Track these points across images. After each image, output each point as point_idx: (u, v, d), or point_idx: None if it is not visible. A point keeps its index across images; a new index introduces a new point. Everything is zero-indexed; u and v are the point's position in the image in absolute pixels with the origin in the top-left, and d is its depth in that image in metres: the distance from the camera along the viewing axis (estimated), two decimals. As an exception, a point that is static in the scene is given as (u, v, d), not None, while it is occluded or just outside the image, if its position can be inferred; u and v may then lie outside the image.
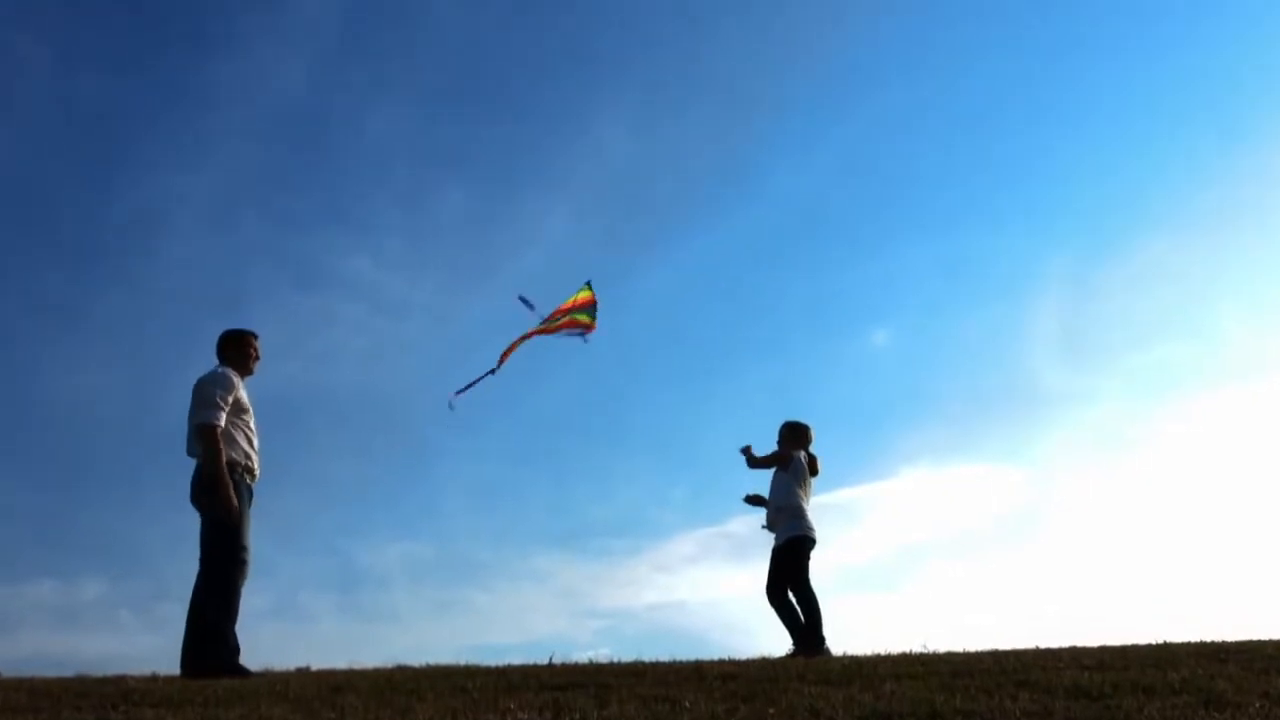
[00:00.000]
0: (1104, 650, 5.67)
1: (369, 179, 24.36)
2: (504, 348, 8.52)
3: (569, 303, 8.94)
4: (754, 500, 8.54)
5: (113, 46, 23.11)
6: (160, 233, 23.08)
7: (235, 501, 6.01)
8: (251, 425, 6.33)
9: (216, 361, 6.42)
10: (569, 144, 25.42)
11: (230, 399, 6.18)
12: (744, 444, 8.50)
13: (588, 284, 9.03)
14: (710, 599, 18.45)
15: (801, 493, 8.26)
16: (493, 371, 8.34)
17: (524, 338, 8.65)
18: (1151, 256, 23.64)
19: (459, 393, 8.17)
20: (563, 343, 8.89)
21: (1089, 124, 25.75)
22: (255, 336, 6.58)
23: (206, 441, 6.04)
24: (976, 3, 25.78)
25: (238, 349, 6.46)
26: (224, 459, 6.03)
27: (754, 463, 8.45)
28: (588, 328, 8.80)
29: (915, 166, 25.84)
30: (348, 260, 23.60)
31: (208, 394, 6.14)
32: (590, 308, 8.92)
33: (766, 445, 8.56)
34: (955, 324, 24.41)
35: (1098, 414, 22.69)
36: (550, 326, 8.77)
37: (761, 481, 8.54)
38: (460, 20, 24.65)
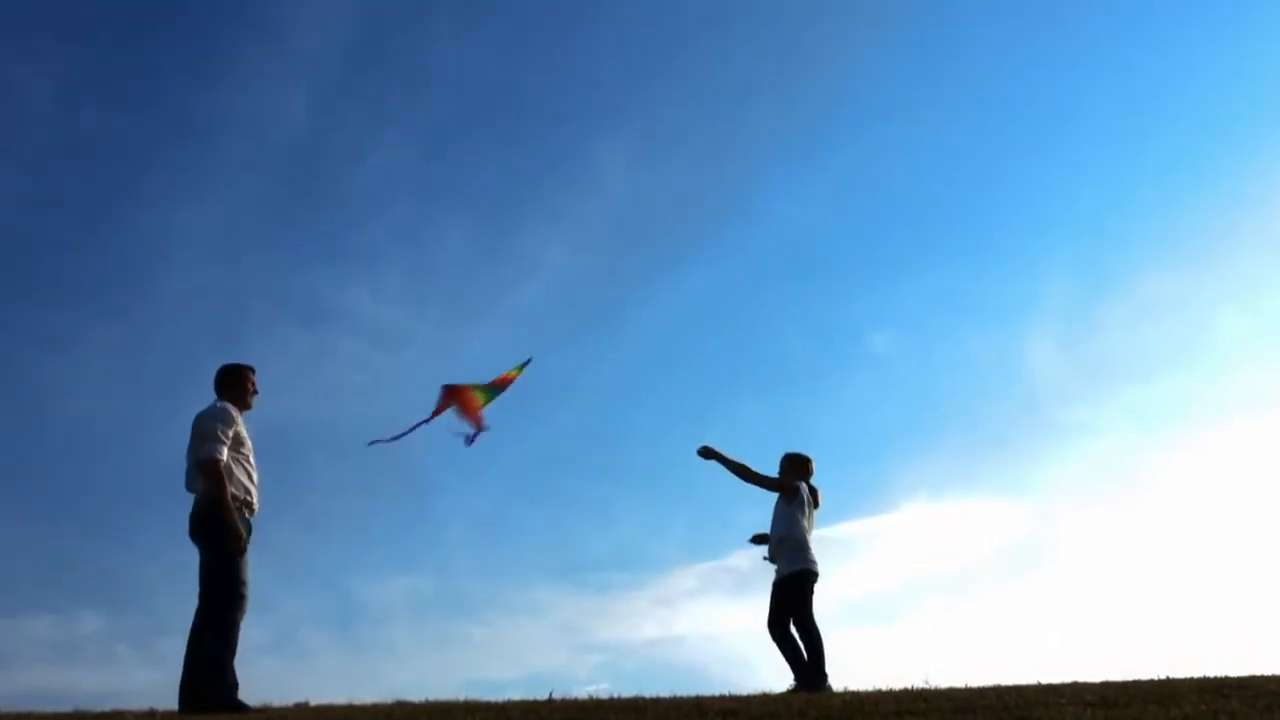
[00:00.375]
0: (1106, 686, 5.64)
1: (369, 213, 24.50)
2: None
3: (501, 379, 8.51)
4: (760, 540, 8.50)
5: (114, 80, 23.34)
6: (160, 266, 23.19)
7: (242, 534, 6.05)
8: (251, 460, 6.34)
9: (215, 396, 6.45)
10: (569, 177, 25.62)
11: (230, 433, 6.20)
12: (706, 447, 8.31)
13: (526, 363, 8.65)
14: (710, 633, 18.35)
15: (805, 525, 8.23)
16: (426, 421, 7.95)
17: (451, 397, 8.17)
18: (1153, 288, 23.71)
19: (389, 440, 7.71)
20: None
21: (1089, 156, 25.92)
22: (253, 371, 6.61)
23: (208, 476, 6.05)
24: (975, 38, 25.99)
25: (236, 383, 6.49)
26: (228, 493, 6.05)
27: (749, 476, 8.31)
28: (476, 421, 8.23)
29: (915, 198, 25.98)
30: (347, 294, 23.69)
31: (208, 429, 6.17)
32: (499, 389, 8.44)
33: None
34: (956, 357, 24.44)
35: (1100, 446, 22.66)
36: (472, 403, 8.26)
37: (763, 518, 8.50)
38: (461, 55, 24.90)
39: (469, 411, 7.95)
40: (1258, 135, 24.18)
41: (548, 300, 22.48)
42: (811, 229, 25.61)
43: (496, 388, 8.30)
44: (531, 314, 22.07)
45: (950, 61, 26.19)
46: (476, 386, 8.17)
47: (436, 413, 7.86)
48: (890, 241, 25.96)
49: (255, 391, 6.57)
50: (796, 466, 8.48)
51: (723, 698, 5.74)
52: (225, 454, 6.13)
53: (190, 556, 6.15)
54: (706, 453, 8.31)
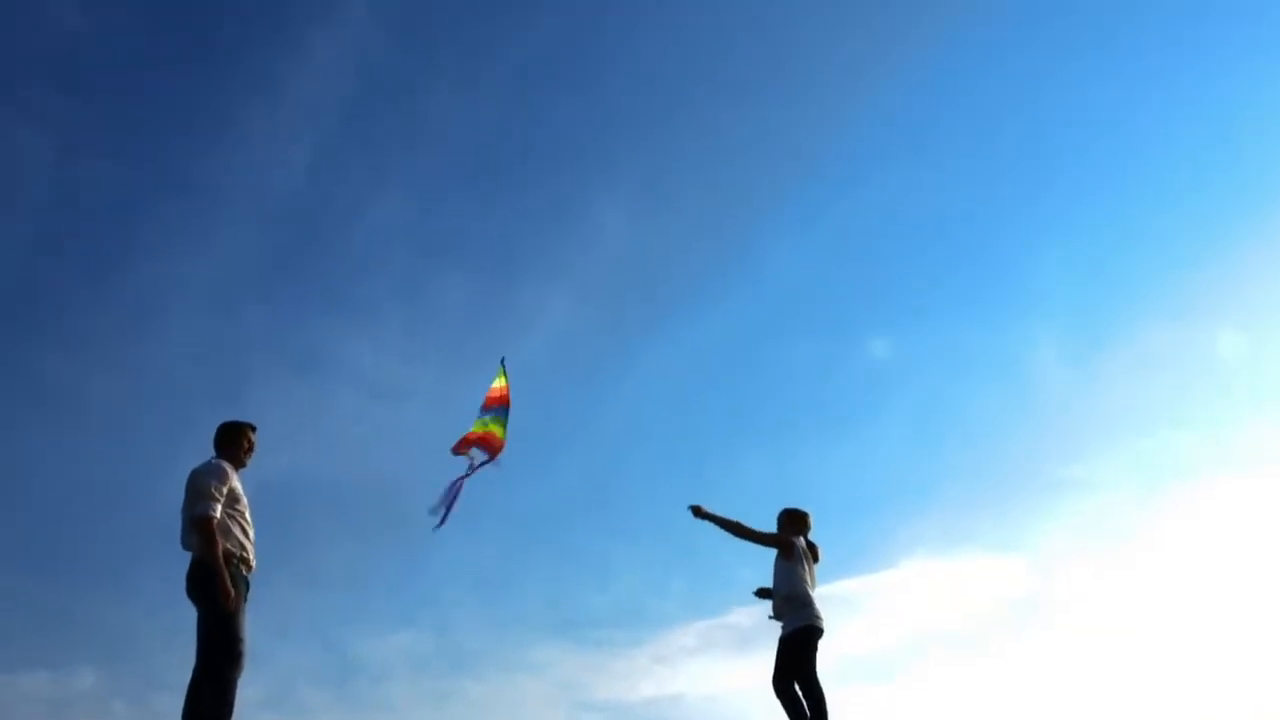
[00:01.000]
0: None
1: (368, 266, 24.61)
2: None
3: (491, 395, 8.58)
4: (765, 594, 8.42)
5: (114, 134, 23.54)
6: (158, 320, 23.23)
7: (232, 593, 6.04)
8: (247, 516, 6.37)
9: (214, 452, 6.50)
10: (568, 230, 25.76)
11: (224, 490, 6.24)
12: (697, 507, 8.27)
13: (501, 364, 8.69)
14: (710, 692, 18.10)
15: (807, 580, 8.17)
16: (463, 479, 8.06)
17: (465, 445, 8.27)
18: (1149, 341, 23.78)
19: (441, 519, 7.92)
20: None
21: (1086, 205, 26.09)
22: (253, 429, 6.66)
23: (202, 533, 6.09)
24: (970, 93, 26.37)
25: (232, 440, 6.55)
26: (220, 550, 6.07)
27: (744, 533, 8.22)
28: (492, 446, 8.35)
29: (913, 250, 26.13)
30: (347, 347, 23.72)
31: (202, 485, 6.21)
32: (503, 410, 8.52)
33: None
34: (955, 411, 24.41)
35: (1100, 501, 22.57)
36: (472, 436, 8.35)
37: (763, 576, 8.43)
38: (459, 110, 25.18)
39: (488, 443, 8.08)
40: (1260, 188, 24.39)
41: (547, 352, 22.51)
42: (810, 279, 25.73)
43: (495, 408, 8.35)
44: (531, 366, 22.01)
45: (946, 115, 26.52)
46: (480, 424, 8.23)
47: (471, 470, 7.97)
48: (889, 293, 26.09)
49: (251, 449, 6.62)
50: (794, 521, 8.43)
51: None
52: (219, 511, 6.17)
53: (188, 613, 6.19)
54: (698, 513, 8.25)
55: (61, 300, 22.03)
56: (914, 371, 24.59)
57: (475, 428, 8.32)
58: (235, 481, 6.36)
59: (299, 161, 23.92)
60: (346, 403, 22.65)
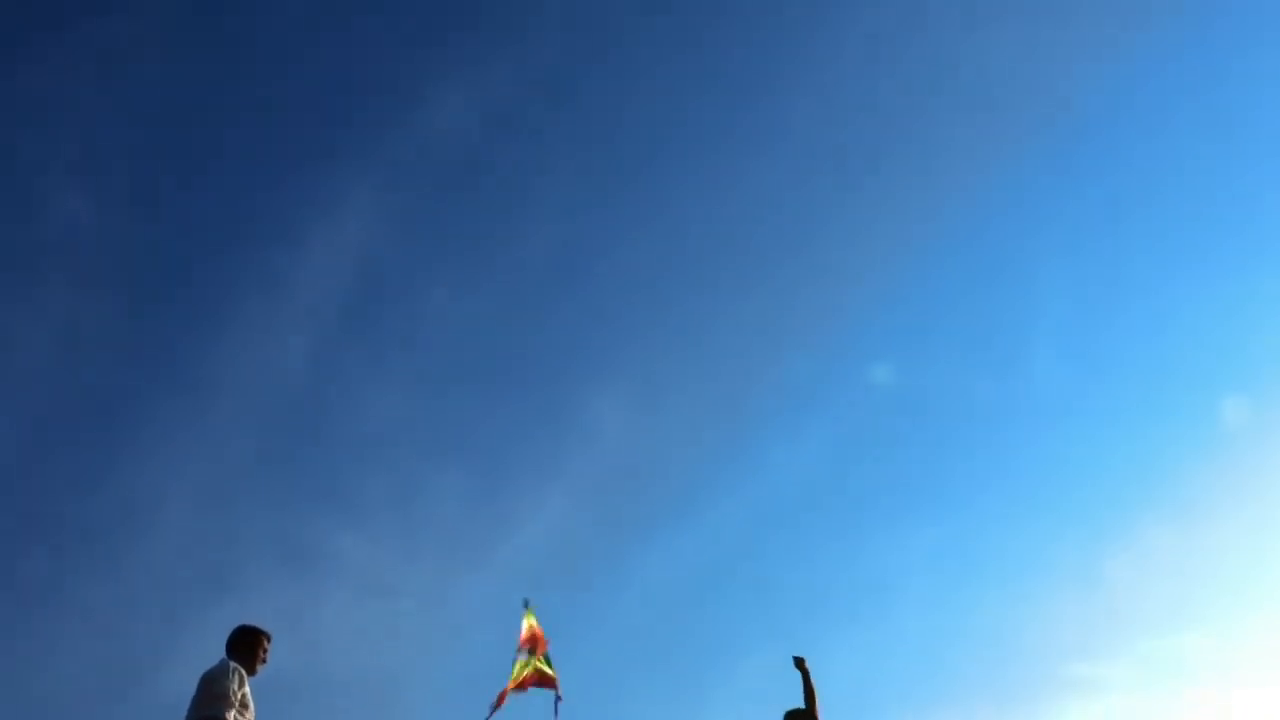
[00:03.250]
0: None
1: (365, 461, 24.67)
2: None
3: (524, 635, 8.82)
4: None
5: (115, 328, 24.08)
6: (152, 515, 23.13)
7: None
8: (252, 726, 6.33)
9: (224, 653, 6.45)
10: (566, 427, 25.97)
11: (240, 695, 6.22)
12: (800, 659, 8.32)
13: (527, 605, 8.98)
14: None
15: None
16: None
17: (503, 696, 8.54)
18: (1157, 544, 23.52)
19: None
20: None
21: (1092, 402, 26.24)
22: (269, 638, 6.60)
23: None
24: (960, 284, 27.04)
25: (249, 646, 6.50)
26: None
27: (809, 702, 8.21)
28: (551, 683, 8.64)
29: (916, 449, 26.09)
30: (342, 542, 23.60)
31: (221, 689, 6.18)
32: (543, 652, 8.78)
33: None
34: (963, 611, 23.83)
35: (1112, 702, 21.97)
36: (521, 679, 8.63)
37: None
38: (457, 310, 25.88)
39: (545, 682, 8.27)
40: (1257, 394, 24.52)
41: (545, 552, 22.34)
42: (810, 477, 25.69)
43: (530, 650, 8.55)
44: (528, 566, 21.88)
45: (942, 308, 27.09)
46: (521, 665, 8.46)
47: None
48: (892, 491, 25.92)
49: (265, 660, 6.55)
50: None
51: None
52: (232, 717, 6.14)
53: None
54: (800, 664, 8.30)
55: (54, 496, 22.04)
56: (919, 570, 24.13)
57: (516, 669, 8.58)
58: (248, 688, 6.33)
59: (298, 356, 24.41)
60: (340, 598, 22.40)
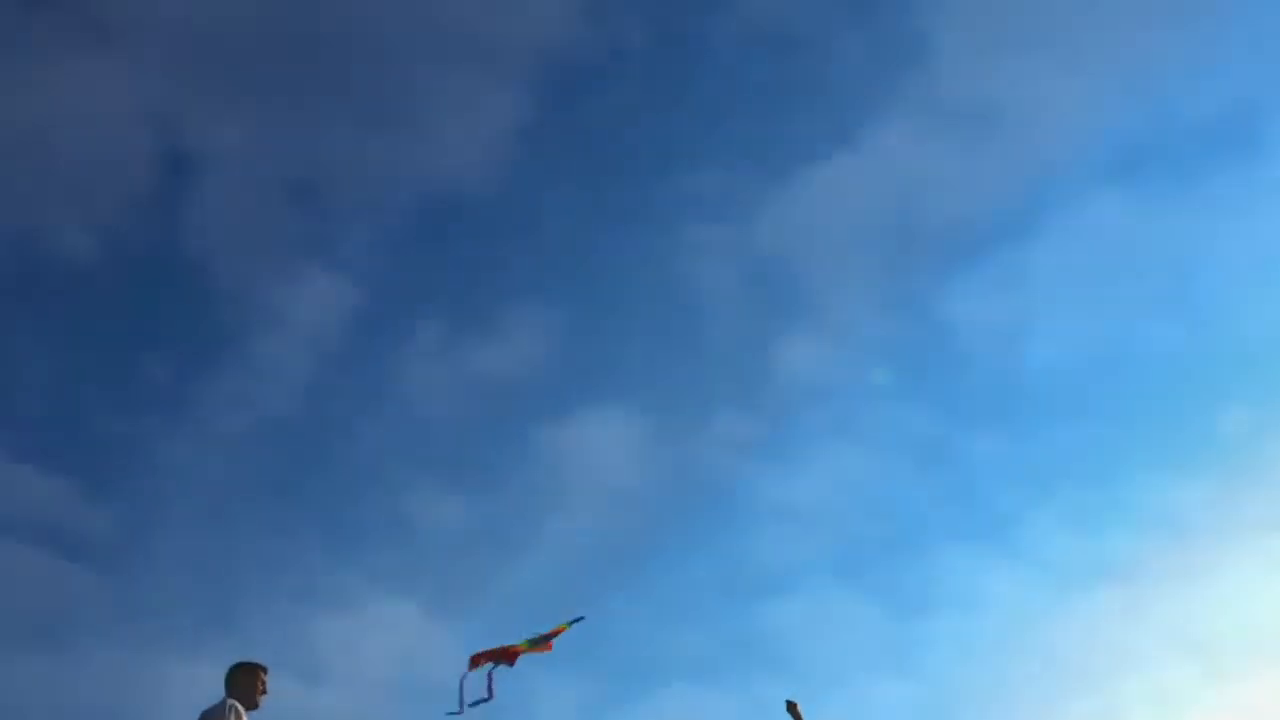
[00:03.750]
0: None
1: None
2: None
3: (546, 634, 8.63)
4: None
5: (113, 359, 23.96)
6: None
7: None
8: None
9: (224, 691, 6.21)
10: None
11: None
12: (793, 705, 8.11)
13: (577, 620, 8.78)
14: None
15: None
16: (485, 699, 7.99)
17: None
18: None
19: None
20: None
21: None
22: (266, 670, 6.40)
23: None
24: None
25: (247, 683, 6.28)
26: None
27: None
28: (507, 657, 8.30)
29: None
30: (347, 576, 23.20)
31: None
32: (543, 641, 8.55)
33: None
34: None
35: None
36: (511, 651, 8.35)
37: None
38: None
39: (504, 656, 7.96)
40: None
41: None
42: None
43: (541, 640, 8.31)
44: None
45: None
46: (524, 643, 8.20)
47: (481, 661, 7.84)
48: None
49: (265, 691, 6.35)
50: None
51: None
52: (232, 755, 5.97)
53: None
54: (791, 707, 7.91)
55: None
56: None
57: (521, 646, 8.30)
58: (248, 724, 6.16)
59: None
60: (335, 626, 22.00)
